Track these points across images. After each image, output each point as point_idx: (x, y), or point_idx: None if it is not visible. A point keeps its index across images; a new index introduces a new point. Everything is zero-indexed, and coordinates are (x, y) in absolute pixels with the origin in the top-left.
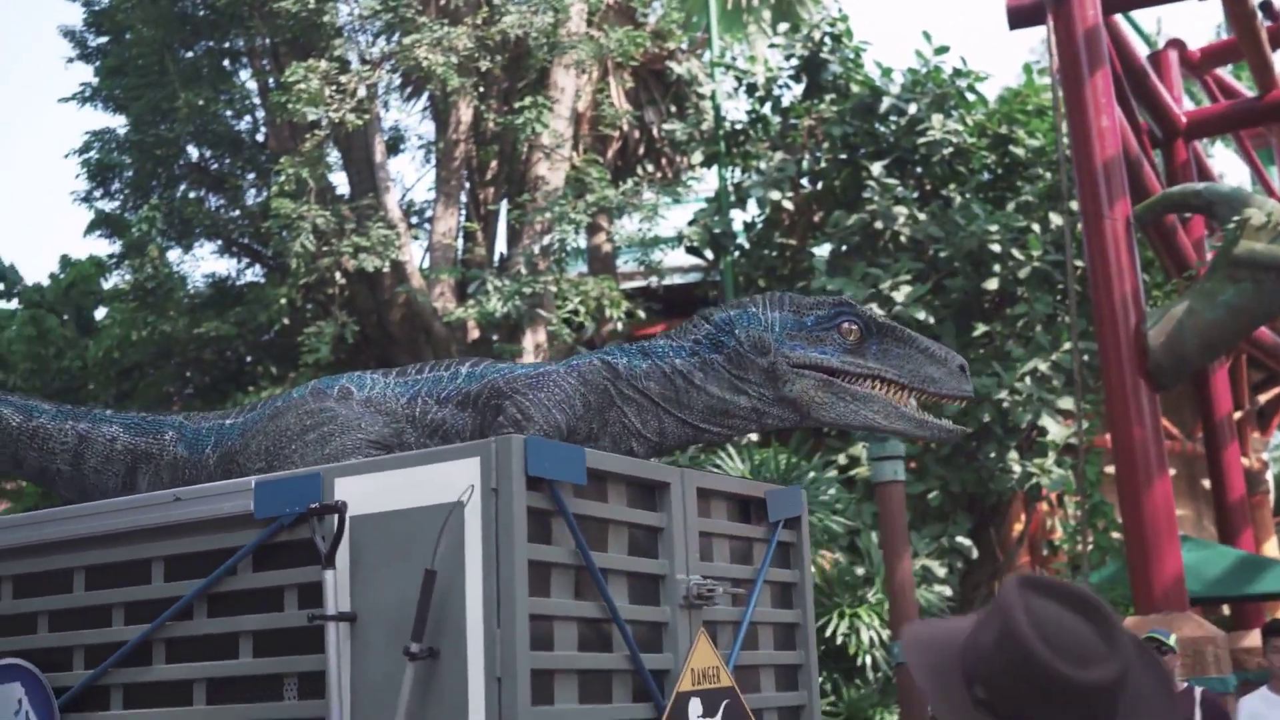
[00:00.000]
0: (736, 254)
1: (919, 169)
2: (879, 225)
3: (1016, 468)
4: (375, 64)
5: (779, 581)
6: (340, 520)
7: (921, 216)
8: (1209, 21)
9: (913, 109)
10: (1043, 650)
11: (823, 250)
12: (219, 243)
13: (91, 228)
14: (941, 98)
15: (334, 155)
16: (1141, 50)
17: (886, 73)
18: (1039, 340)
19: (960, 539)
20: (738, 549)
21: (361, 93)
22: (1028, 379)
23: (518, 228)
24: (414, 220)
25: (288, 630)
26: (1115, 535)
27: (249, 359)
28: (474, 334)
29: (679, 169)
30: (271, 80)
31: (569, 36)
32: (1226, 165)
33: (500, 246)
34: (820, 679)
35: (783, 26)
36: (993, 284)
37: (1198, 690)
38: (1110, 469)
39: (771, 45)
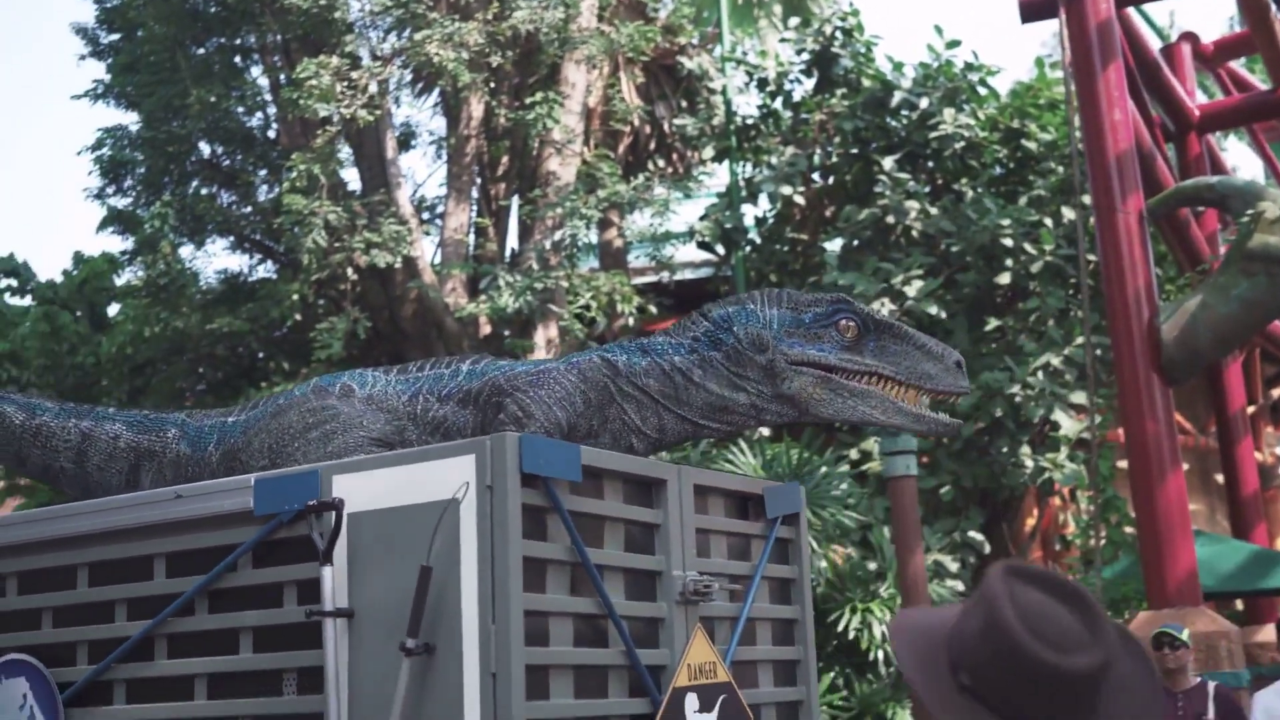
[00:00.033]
0: (748, 249)
1: (931, 163)
2: (890, 220)
3: (1029, 462)
4: (386, 60)
5: (777, 577)
6: (338, 517)
7: (933, 211)
8: (1222, 14)
9: (924, 103)
10: (1027, 638)
11: (834, 245)
12: (231, 239)
13: (104, 224)
14: (953, 92)
15: (345, 151)
16: (1154, 43)
17: (898, 67)
18: (1051, 335)
19: (973, 534)
20: (735, 545)
21: (373, 89)
22: (1040, 373)
23: (529, 223)
24: (425, 216)
25: (287, 626)
26: (1128, 530)
27: (261, 355)
28: (486, 329)
29: (690, 164)
30: (283, 77)
31: (580, 32)
32: (1240, 159)
33: (512, 242)
34: (833, 674)
35: (794, 21)
36: (1005, 278)
37: (1211, 685)
38: (1123, 464)
39: (782, 40)
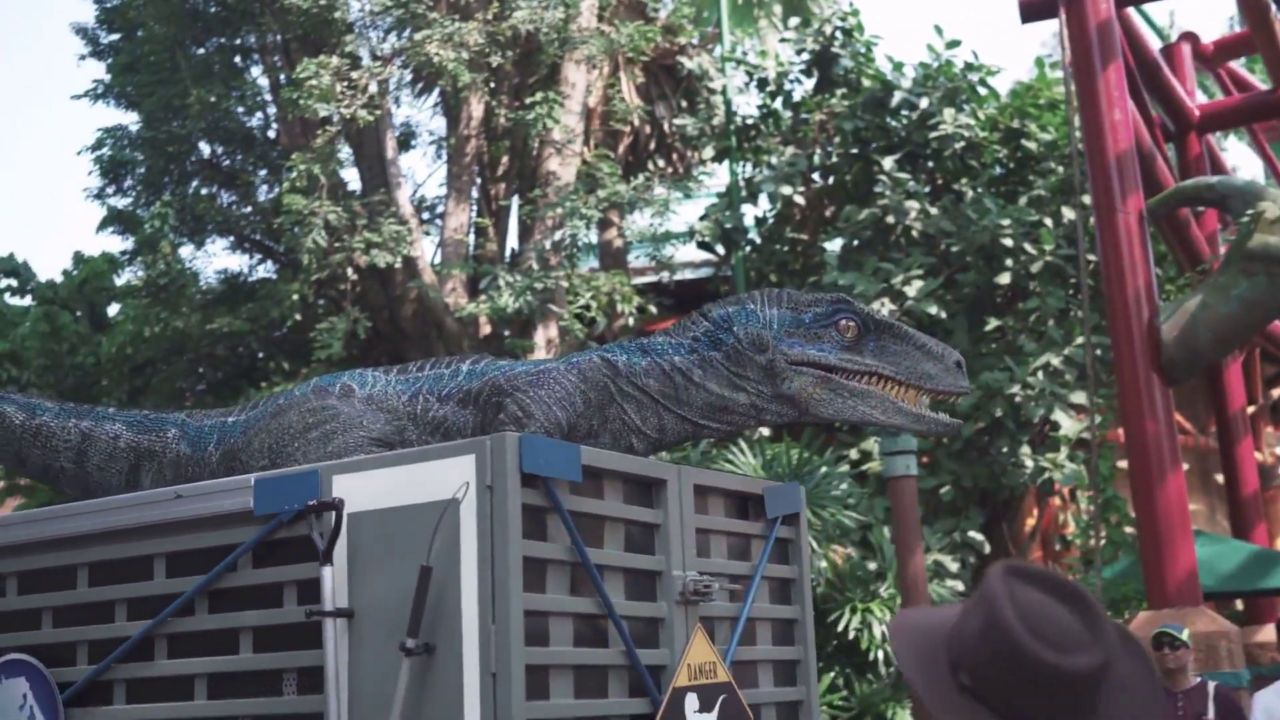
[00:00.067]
0: (748, 249)
1: (931, 163)
2: (890, 220)
3: (1029, 462)
4: (386, 60)
5: (777, 577)
6: (338, 517)
7: (933, 211)
8: (1222, 14)
9: (924, 103)
10: (1027, 637)
11: (834, 245)
12: (231, 239)
13: (104, 224)
14: (953, 92)
15: (345, 151)
16: (1154, 43)
17: (898, 67)
18: (1051, 335)
19: (973, 534)
20: (735, 545)
21: (373, 89)
22: (1040, 374)
23: (529, 223)
24: (425, 216)
25: (287, 626)
26: (1128, 530)
27: (261, 355)
28: (486, 329)
29: (690, 164)
30: (283, 77)
31: (580, 32)
32: (1240, 159)
33: (512, 242)
34: (833, 674)
35: (793, 21)
36: (1005, 278)
37: (1211, 685)
38: (1123, 464)
39: (782, 40)
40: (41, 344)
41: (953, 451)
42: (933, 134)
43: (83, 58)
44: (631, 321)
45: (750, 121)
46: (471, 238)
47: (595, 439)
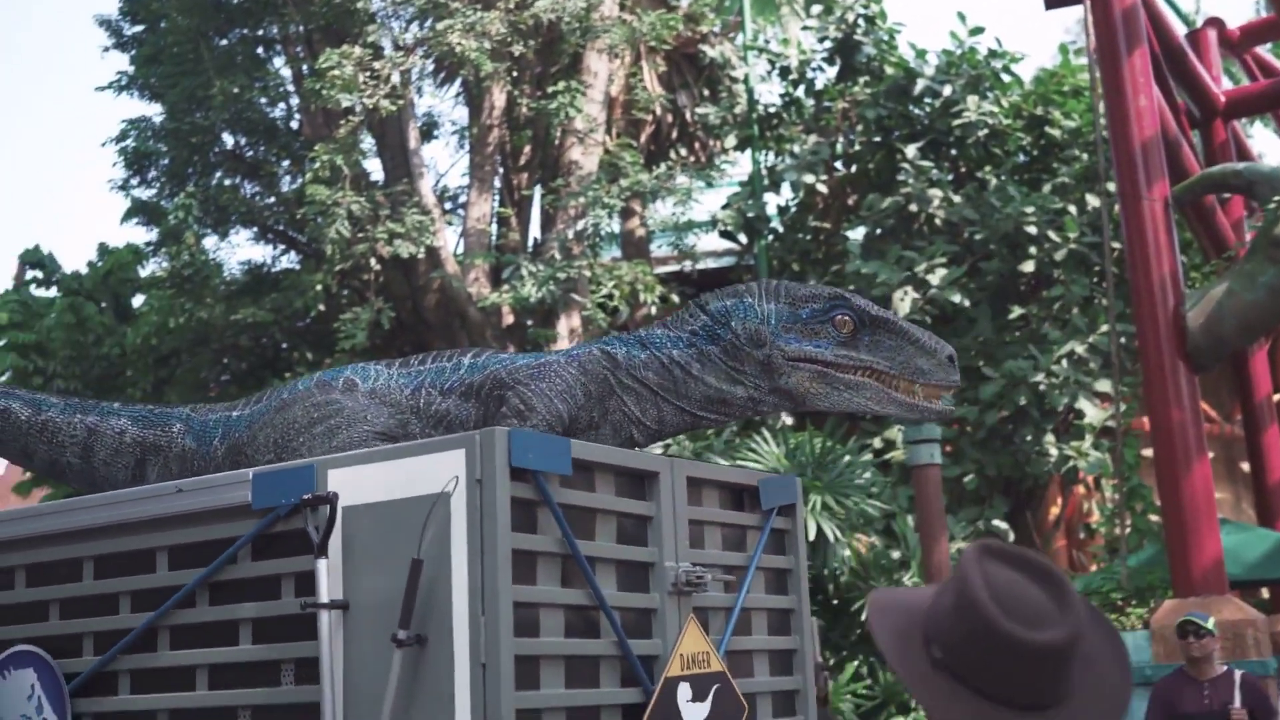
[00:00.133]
0: (770, 238)
1: (954, 151)
2: (914, 208)
3: (1053, 451)
4: (409, 50)
5: (773, 568)
6: (332, 511)
7: (956, 199)
8: None
9: (947, 91)
10: (996, 612)
11: (857, 233)
12: (255, 230)
13: (128, 215)
14: (976, 79)
15: (368, 142)
16: (1179, 29)
17: (921, 54)
18: (1076, 323)
19: (997, 522)
20: (730, 536)
21: (395, 79)
22: (1064, 362)
23: (551, 213)
24: (448, 206)
25: (285, 617)
26: (1153, 518)
27: (285, 345)
28: (508, 319)
29: (712, 153)
30: (305, 67)
31: (602, 20)
32: (1266, 145)
33: (534, 231)
34: (856, 663)
35: (816, 9)
36: (1029, 266)
37: (1237, 673)
38: (1148, 452)
39: (805, 28)
40: (67, 335)
41: (977, 440)
42: (956, 121)
43: (106, 50)
44: (654, 311)
45: (772, 110)
46: (494, 227)
47: (596, 431)
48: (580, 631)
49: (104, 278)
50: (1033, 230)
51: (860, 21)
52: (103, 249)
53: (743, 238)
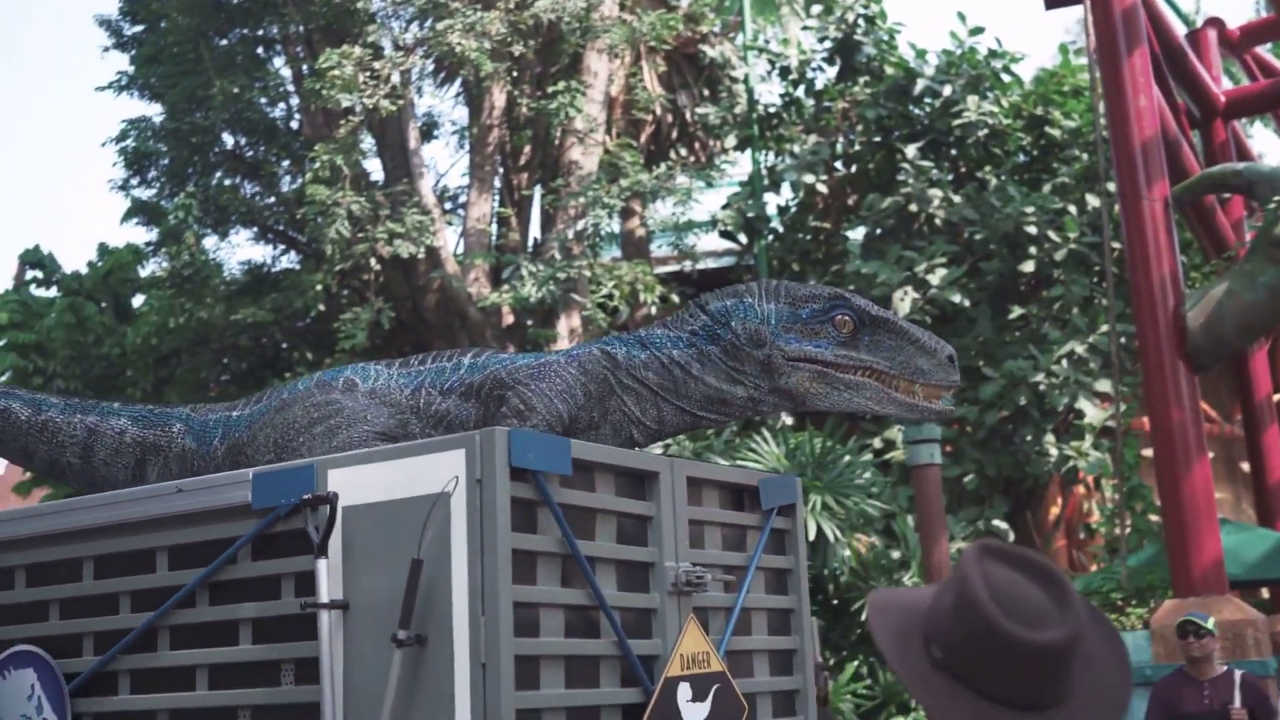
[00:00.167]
0: (770, 238)
1: (954, 151)
2: (914, 208)
3: (1053, 451)
4: (409, 50)
5: (773, 568)
6: (332, 511)
7: (956, 199)
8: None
9: (947, 91)
10: (996, 612)
11: (857, 234)
12: (255, 229)
13: (128, 215)
14: (976, 79)
15: (368, 142)
16: (1179, 29)
17: (921, 54)
18: (1076, 323)
19: (997, 522)
20: (730, 536)
21: (395, 79)
22: (1064, 362)
23: (551, 213)
24: (448, 206)
25: (285, 618)
26: (1153, 518)
27: (285, 345)
28: (509, 319)
29: (712, 153)
30: (305, 67)
31: (602, 20)
32: (1266, 145)
33: (534, 231)
34: (856, 663)
35: (816, 9)
36: (1029, 266)
37: (1237, 673)
38: (1148, 452)
39: (804, 28)
40: (67, 335)
41: (977, 440)
42: (956, 121)
43: (106, 50)
44: (654, 311)
45: (772, 110)
46: (494, 227)
47: (596, 430)
48: (580, 631)
49: (104, 278)
50: (1033, 230)
51: (860, 21)
52: (103, 249)
53: (743, 238)
